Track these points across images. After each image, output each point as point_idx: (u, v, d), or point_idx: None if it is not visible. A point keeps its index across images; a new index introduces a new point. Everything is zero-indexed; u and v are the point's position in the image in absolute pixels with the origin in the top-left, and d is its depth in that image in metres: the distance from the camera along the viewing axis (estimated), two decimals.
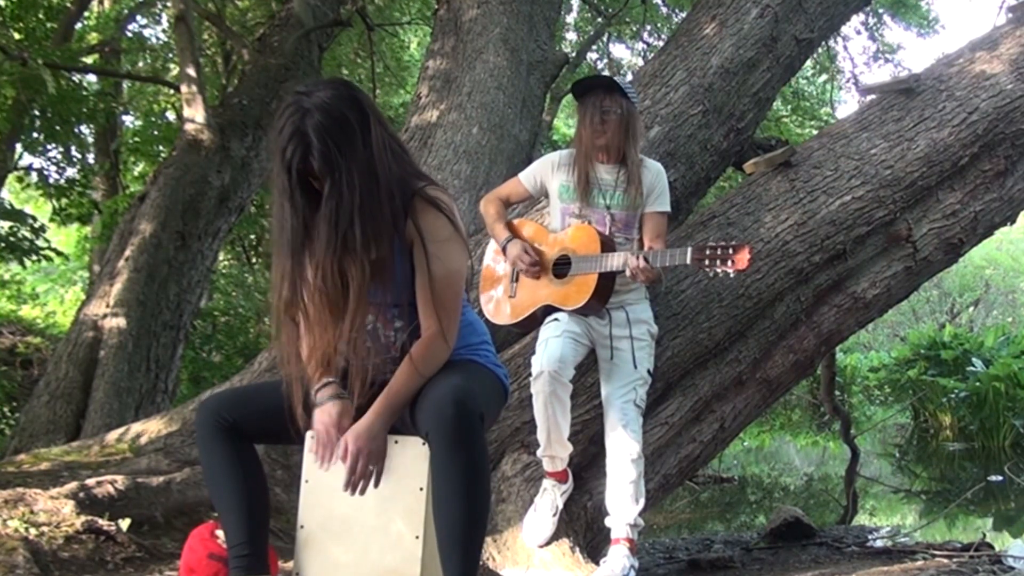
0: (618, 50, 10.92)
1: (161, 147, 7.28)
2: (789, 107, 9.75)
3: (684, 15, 5.75)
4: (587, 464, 2.96)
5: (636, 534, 2.64)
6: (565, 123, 11.10)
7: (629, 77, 4.35)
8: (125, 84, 8.68)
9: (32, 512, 2.28)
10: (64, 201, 7.32)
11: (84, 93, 7.03)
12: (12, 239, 6.56)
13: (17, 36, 6.25)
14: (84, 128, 7.72)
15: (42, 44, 6.19)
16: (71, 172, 7.68)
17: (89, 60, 7.69)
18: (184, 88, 5.70)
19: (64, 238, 11.64)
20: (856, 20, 8.80)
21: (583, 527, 2.86)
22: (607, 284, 2.64)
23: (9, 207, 7.02)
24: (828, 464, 8.81)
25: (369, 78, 8.16)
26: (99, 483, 2.52)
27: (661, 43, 7.62)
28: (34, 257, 6.60)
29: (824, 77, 9.98)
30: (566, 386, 2.60)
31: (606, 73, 10.09)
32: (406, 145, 4.12)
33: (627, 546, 2.60)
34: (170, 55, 8.41)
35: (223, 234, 6.16)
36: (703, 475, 6.72)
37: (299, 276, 1.70)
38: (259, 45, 6.46)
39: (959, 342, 9.89)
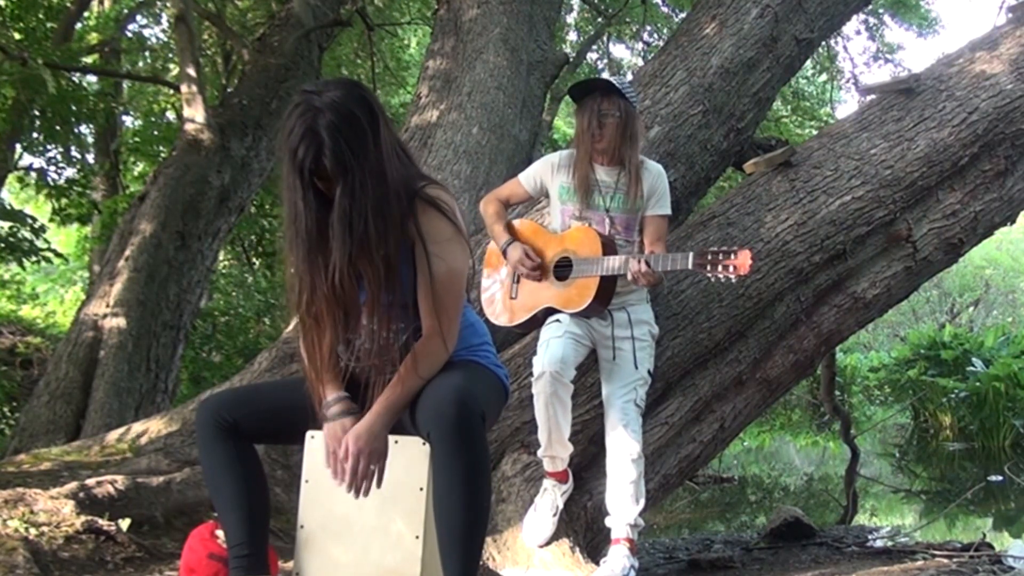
0: (618, 50, 10.93)
1: (161, 147, 7.28)
2: (789, 107, 9.76)
3: (684, 15, 5.76)
4: (587, 464, 2.96)
5: (636, 534, 2.64)
6: (565, 123, 11.09)
7: (629, 77, 4.35)
8: (125, 84, 8.68)
9: (32, 512, 2.28)
10: (63, 201, 7.32)
11: (84, 93, 7.03)
12: (12, 240, 6.56)
13: (17, 36, 6.25)
14: (84, 128, 7.72)
15: (42, 44, 6.19)
16: (70, 172, 7.69)
17: (89, 60, 7.69)
18: (184, 88, 5.70)
19: (64, 238, 11.65)
20: (856, 20, 8.81)
21: (583, 527, 2.86)
22: (608, 286, 2.64)
23: (9, 207, 7.02)
24: (828, 464, 8.82)
25: (369, 78, 8.16)
26: (99, 483, 2.52)
27: (661, 43, 7.62)
28: (33, 258, 6.60)
29: (824, 77, 9.99)
30: (567, 386, 2.60)
31: (606, 74, 10.10)
32: (407, 145, 4.13)
33: (627, 546, 2.60)
34: (170, 55, 8.41)
35: (223, 234, 6.16)
36: (703, 475, 6.72)
37: (315, 276, 1.69)
38: (259, 45, 6.46)
39: (959, 342, 9.89)
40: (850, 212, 3.22)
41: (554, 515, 2.77)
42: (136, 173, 8.60)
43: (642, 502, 2.64)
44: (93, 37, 8.00)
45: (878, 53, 9.63)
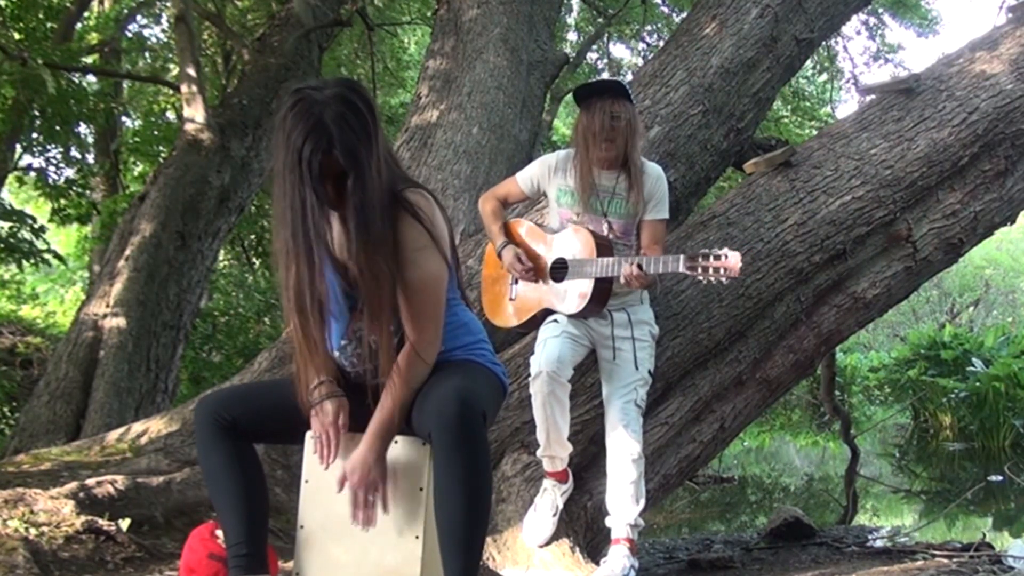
0: (618, 50, 10.93)
1: (161, 147, 7.28)
2: (789, 107, 9.75)
3: (684, 15, 5.76)
4: (587, 464, 2.96)
5: (636, 534, 2.64)
6: (565, 123, 11.08)
7: (629, 77, 4.35)
8: (125, 84, 8.68)
9: (32, 512, 2.27)
10: (63, 201, 7.32)
11: (84, 93, 7.02)
12: (12, 240, 6.56)
13: (17, 36, 6.25)
14: (84, 128, 7.72)
15: (42, 44, 6.18)
16: (70, 172, 7.68)
17: (89, 60, 7.69)
18: (184, 88, 5.70)
19: (64, 238, 11.64)
20: (856, 20, 8.81)
21: (583, 527, 2.86)
22: (604, 288, 2.64)
23: (9, 208, 7.01)
24: (828, 464, 8.81)
25: (369, 78, 8.15)
26: (99, 483, 2.52)
27: (661, 43, 7.61)
28: (32, 260, 6.60)
29: (824, 77, 9.98)
30: (565, 386, 2.60)
31: (606, 74, 10.09)
32: (406, 145, 4.13)
33: (627, 546, 2.60)
34: (170, 55, 8.41)
35: (223, 234, 6.16)
36: (703, 475, 6.71)
37: (322, 270, 1.67)
38: (259, 45, 6.46)
39: (959, 342, 9.90)
40: (850, 212, 3.22)
41: (554, 515, 2.77)
42: (136, 173, 8.59)
43: (642, 502, 2.64)
44: (93, 37, 7.99)
45: (878, 53, 9.63)
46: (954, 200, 3.36)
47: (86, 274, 9.58)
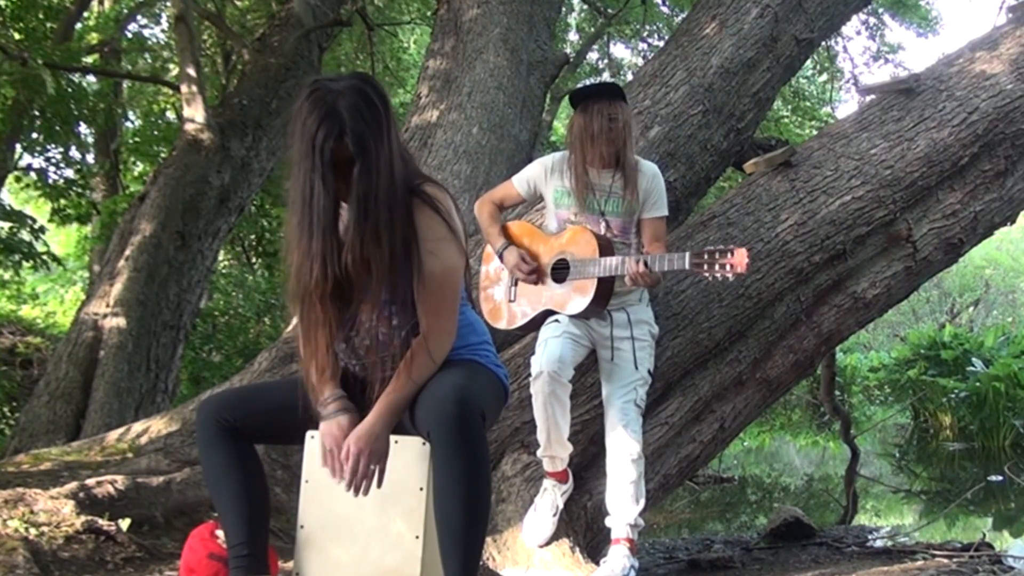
0: (618, 50, 10.93)
1: (161, 147, 7.28)
2: (789, 107, 9.75)
3: (684, 15, 5.76)
4: (587, 464, 2.96)
5: (636, 534, 2.64)
6: (565, 123, 11.07)
7: (629, 77, 4.35)
8: (125, 84, 8.68)
9: (32, 512, 2.27)
10: (63, 201, 7.32)
11: (84, 93, 7.03)
12: (11, 241, 6.56)
13: (17, 36, 6.25)
14: (84, 128, 7.72)
15: (42, 44, 6.18)
16: (69, 172, 7.68)
17: (89, 60, 7.69)
18: (184, 88, 5.70)
19: (64, 238, 11.65)
20: (856, 20, 8.81)
21: (583, 527, 2.86)
22: (606, 288, 2.64)
23: (9, 208, 7.02)
24: (828, 464, 8.81)
25: None
26: (99, 483, 2.52)
27: (661, 43, 7.62)
28: (31, 262, 6.60)
29: (824, 77, 9.98)
30: (565, 386, 2.60)
31: (607, 74, 10.10)
32: (405, 144, 4.12)
33: (627, 546, 2.60)
34: (170, 55, 8.41)
35: (223, 234, 6.16)
36: (703, 475, 6.71)
37: (331, 255, 1.67)
38: (259, 45, 6.46)
39: (959, 342, 9.89)
40: (850, 212, 3.22)
41: (554, 515, 2.77)
42: (136, 173, 8.60)
43: (642, 502, 2.64)
44: (93, 37, 7.99)
45: (878, 53, 9.63)
46: (954, 200, 3.36)
47: (86, 274, 9.58)
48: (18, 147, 7.24)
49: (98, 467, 2.97)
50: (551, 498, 2.78)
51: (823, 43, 6.80)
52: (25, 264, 6.68)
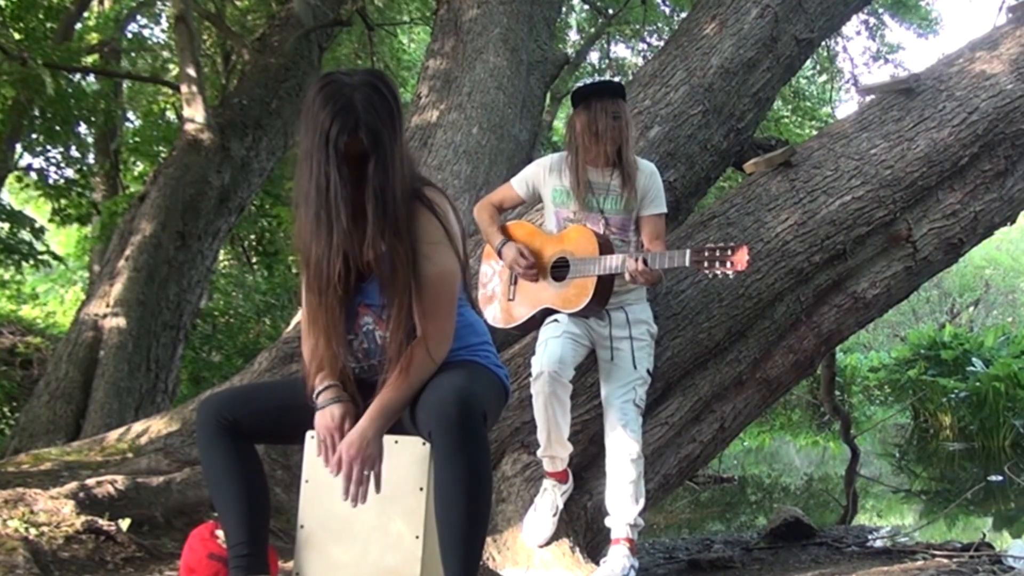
0: (618, 50, 10.92)
1: (161, 147, 7.28)
2: (789, 107, 9.75)
3: (684, 15, 5.76)
4: (587, 464, 2.96)
5: (636, 534, 2.64)
6: (565, 123, 11.08)
7: (629, 77, 4.35)
8: (125, 84, 8.68)
9: (32, 512, 2.27)
10: (63, 201, 7.32)
11: (84, 93, 7.03)
12: (11, 241, 6.56)
13: (17, 36, 6.24)
14: (84, 128, 7.72)
15: (42, 44, 6.18)
16: (70, 172, 7.68)
17: (89, 60, 7.69)
18: (184, 88, 5.70)
19: (64, 238, 11.64)
20: (856, 20, 8.80)
21: (583, 527, 2.86)
22: (606, 286, 2.64)
23: (9, 208, 7.02)
24: (828, 464, 8.81)
25: None
26: (99, 483, 2.52)
27: (661, 43, 7.61)
28: (31, 262, 6.60)
29: (824, 77, 9.98)
30: (566, 386, 2.60)
31: (608, 74, 10.09)
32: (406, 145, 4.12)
33: (627, 546, 2.60)
34: (170, 55, 8.40)
35: (223, 234, 6.16)
36: (703, 475, 6.71)
37: (351, 248, 1.67)
38: (259, 45, 6.46)
39: (959, 342, 9.89)
40: (850, 212, 3.22)
41: (554, 515, 2.77)
42: (136, 173, 8.59)
43: (642, 502, 2.64)
44: (93, 37, 7.99)
45: (878, 53, 9.62)
46: (954, 200, 3.37)
47: (86, 274, 9.57)
48: (18, 147, 7.24)
49: (98, 467, 2.97)
50: (551, 498, 2.78)
51: (823, 43, 6.80)
52: (26, 264, 6.67)
